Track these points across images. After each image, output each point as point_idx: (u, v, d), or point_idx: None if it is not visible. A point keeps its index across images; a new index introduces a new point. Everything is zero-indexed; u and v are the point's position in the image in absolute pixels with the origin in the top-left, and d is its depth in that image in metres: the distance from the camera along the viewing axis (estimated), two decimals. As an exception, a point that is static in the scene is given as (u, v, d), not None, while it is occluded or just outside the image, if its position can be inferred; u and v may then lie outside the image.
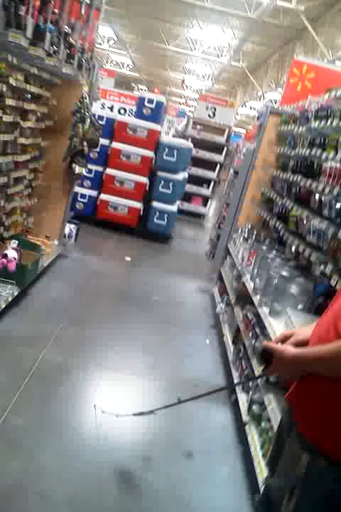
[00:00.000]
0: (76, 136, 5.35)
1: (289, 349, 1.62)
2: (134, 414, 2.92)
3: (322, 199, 3.31)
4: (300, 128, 4.29)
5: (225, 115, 11.55)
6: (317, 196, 3.42)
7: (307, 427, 1.54)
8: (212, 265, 6.48)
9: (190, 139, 10.86)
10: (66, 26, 4.47)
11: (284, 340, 1.72)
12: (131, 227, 8.07)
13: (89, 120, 5.39)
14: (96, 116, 6.67)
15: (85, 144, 5.44)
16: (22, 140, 4.73)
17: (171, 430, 3.32)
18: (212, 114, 11.47)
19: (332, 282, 2.83)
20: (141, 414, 2.89)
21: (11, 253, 4.39)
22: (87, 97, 5.37)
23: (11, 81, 4.07)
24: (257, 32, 13.99)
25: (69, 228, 6.26)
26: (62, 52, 4.38)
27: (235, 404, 3.63)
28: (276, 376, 2.48)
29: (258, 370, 3.18)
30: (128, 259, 6.82)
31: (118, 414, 2.99)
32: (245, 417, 3.33)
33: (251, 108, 25.00)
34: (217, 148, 11.39)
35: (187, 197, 10.97)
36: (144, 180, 8.01)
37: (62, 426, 3.07)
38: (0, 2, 3.17)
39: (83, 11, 4.95)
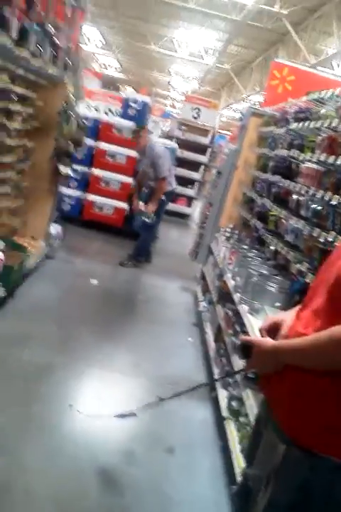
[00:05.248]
0: (61, 136, 5.37)
1: (268, 341, 1.65)
2: (115, 416, 2.97)
3: (300, 199, 3.41)
4: (280, 129, 4.38)
5: (209, 116, 11.64)
6: (294, 196, 3.51)
7: (284, 418, 1.57)
8: (195, 264, 6.56)
9: (174, 140, 10.95)
10: (51, 27, 4.48)
11: (273, 326, 1.74)
12: (116, 227, 8.10)
13: (74, 120, 5.42)
14: (82, 117, 6.71)
15: (70, 143, 5.47)
16: (8, 141, 4.74)
17: (153, 426, 3.36)
18: (196, 115, 11.55)
19: (308, 280, 2.92)
20: (122, 416, 2.94)
21: (-4, 254, 4.39)
22: (72, 98, 5.41)
23: (-5, 80, 4.10)
24: (241, 34, 14.13)
25: (56, 229, 6.27)
26: (47, 53, 4.40)
27: (215, 401, 3.69)
28: (254, 371, 2.52)
29: (238, 366, 3.25)
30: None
31: (100, 416, 3.05)
32: (224, 413, 3.40)
33: (235, 110, 25.15)
34: (202, 149, 11.48)
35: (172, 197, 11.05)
36: (130, 180, 8.05)
37: (45, 424, 3.10)
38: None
39: (68, 13, 4.97)
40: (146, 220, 6.65)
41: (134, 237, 7.96)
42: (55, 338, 4.21)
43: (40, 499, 2.52)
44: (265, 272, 3.72)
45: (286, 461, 1.54)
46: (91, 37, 20.98)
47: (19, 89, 4.72)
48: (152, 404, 2.72)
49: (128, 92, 14.41)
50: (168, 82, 26.80)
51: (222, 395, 3.58)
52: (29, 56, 3.97)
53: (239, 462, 2.84)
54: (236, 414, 3.22)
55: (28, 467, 2.71)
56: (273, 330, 1.73)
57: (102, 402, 3.49)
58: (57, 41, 4.73)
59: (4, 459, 2.70)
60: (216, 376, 3.91)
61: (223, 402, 3.50)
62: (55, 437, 3.01)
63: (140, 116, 8.24)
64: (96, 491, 2.68)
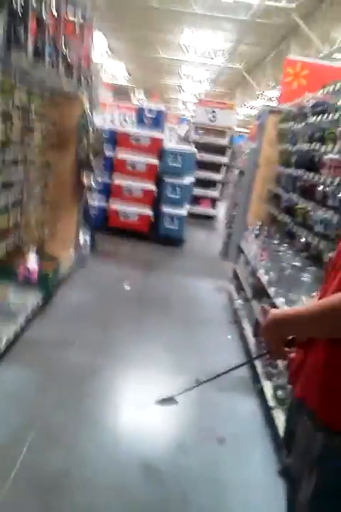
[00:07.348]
0: (81, 148, 5.59)
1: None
2: (156, 403, 3.11)
3: (326, 190, 3.53)
4: (299, 124, 4.50)
5: (226, 117, 11.74)
6: (320, 188, 3.63)
7: (316, 404, 1.51)
8: (226, 264, 6.68)
9: (193, 144, 11.12)
10: (62, 44, 4.62)
11: None
12: (142, 232, 8.31)
13: (91, 132, 5.63)
14: (98, 128, 6.90)
15: (91, 154, 5.68)
16: (30, 156, 4.96)
17: (202, 419, 3.54)
18: (212, 118, 11.69)
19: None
20: (163, 401, 3.06)
21: (32, 264, 4.65)
22: (88, 110, 5.61)
23: (16, 100, 4.31)
24: (250, 33, 14.17)
25: (84, 237, 6.48)
26: (60, 69, 4.57)
27: (261, 392, 3.82)
28: None
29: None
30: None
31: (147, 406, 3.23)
32: (271, 402, 3.53)
33: (251, 108, 25.16)
34: (221, 151, 11.63)
35: (196, 200, 11.24)
36: (151, 186, 8.27)
37: (96, 419, 3.31)
38: (2, 25, 3.37)
39: (77, 29, 5.13)
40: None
41: (161, 241, 8.16)
42: (94, 340, 4.42)
43: (99, 488, 2.70)
44: (298, 263, 3.83)
45: (326, 449, 1.48)
46: (98, 47, 21.20)
47: (36, 107, 4.92)
48: (191, 389, 2.81)
49: (139, 98, 14.57)
50: (179, 86, 26.95)
51: (267, 386, 3.71)
52: (44, 73, 4.19)
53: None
54: (283, 402, 3.34)
55: (86, 458, 2.91)
56: None
57: (147, 398, 3.65)
58: (69, 57, 4.88)
59: (63, 450, 2.92)
60: (259, 369, 4.02)
61: (269, 392, 3.63)
62: (108, 430, 3.21)
63: (155, 124, 8.45)
64: (153, 480, 2.85)
